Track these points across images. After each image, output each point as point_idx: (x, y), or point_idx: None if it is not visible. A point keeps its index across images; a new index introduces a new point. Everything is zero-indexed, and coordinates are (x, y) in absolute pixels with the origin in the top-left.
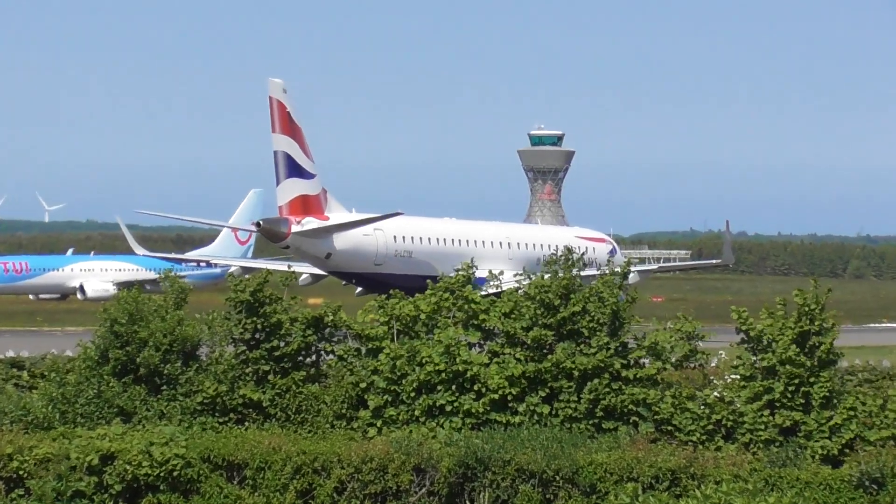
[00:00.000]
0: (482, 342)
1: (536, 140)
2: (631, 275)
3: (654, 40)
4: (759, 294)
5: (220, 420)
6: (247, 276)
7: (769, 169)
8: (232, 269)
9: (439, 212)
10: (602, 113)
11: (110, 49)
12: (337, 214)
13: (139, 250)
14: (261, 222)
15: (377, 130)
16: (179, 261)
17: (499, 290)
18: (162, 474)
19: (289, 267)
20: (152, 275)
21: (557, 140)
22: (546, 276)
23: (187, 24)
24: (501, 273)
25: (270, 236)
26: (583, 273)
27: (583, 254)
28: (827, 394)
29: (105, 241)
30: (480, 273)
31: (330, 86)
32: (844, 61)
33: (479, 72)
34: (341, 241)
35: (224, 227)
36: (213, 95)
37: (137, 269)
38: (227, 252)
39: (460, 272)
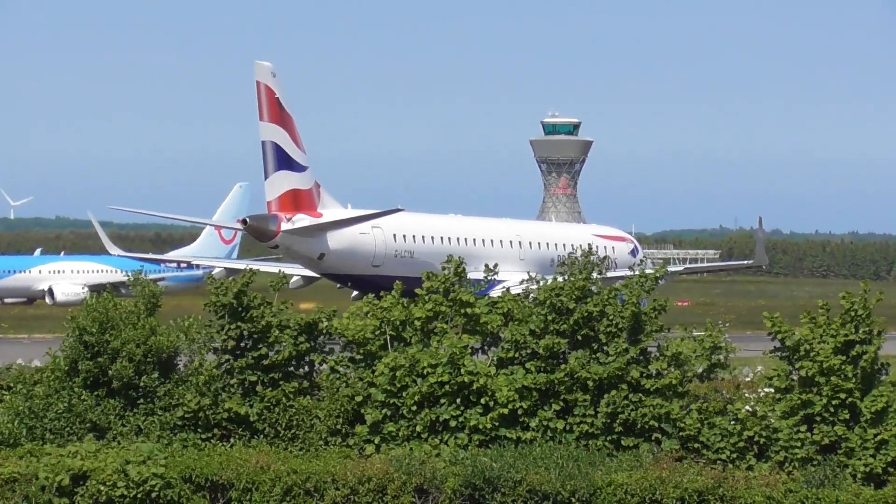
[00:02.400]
0: (484, 347)
1: (550, 129)
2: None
3: (679, 20)
4: (795, 298)
5: (203, 436)
6: (231, 279)
7: (806, 161)
8: (215, 270)
9: (443, 207)
10: (622, 99)
11: (76, 32)
12: (331, 211)
13: (114, 250)
14: (247, 219)
15: (373, 118)
16: (158, 261)
17: (504, 290)
18: (139, 496)
19: (280, 272)
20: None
21: (573, 129)
22: (559, 279)
23: (163, 4)
24: (496, 266)
25: (258, 235)
26: (608, 275)
27: (605, 258)
28: (880, 408)
29: (76, 241)
30: (475, 274)
31: (322, 69)
32: (884, 47)
33: (486, 54)
34: (336, 240)
35: (207, 224)
36: (195, 81)
37: (112, 271)
38: (209, 252)
39: (447, 270)
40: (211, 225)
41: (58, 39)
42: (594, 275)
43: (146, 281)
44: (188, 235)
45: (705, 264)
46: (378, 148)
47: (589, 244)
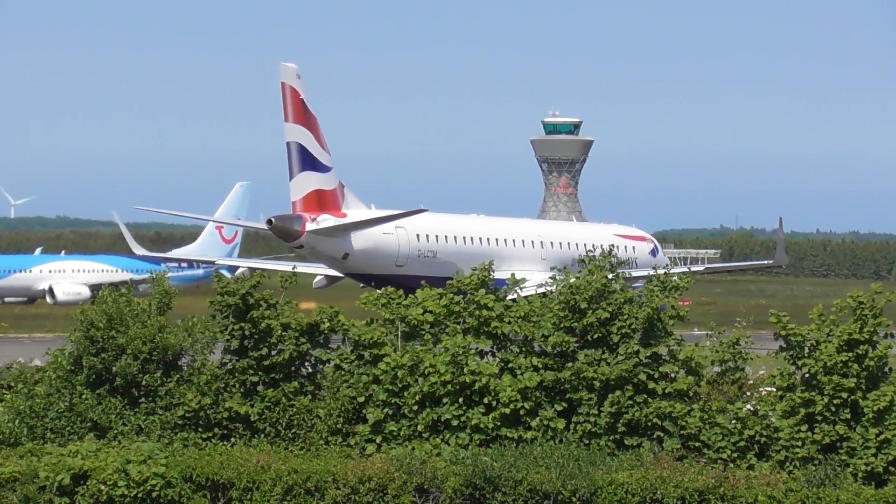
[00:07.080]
0: (494, 350)
1: (551, 128)
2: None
3: (679, 19)
4: (796, 298)
5: (204, 436)
6: (237, 277)
7: (806, 160)
8: (238, 270)
9: (443, 206)
10: (623, 98)
11: (75, 31)
12: (355, 211)
13: (138, 250)
14: (272, 219)
15: (371, 118)
16: (170, 260)
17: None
18: (140, 495)
19: (293, 268)
20: (129, 276)
21: (574, 128)
22: (578, 278)
23: (165, 3)
24: (523, 280)
25: (282, 235)
26: (632, 274)
27: (627, 260)
28: (882, 408)
29: (77, 240)
30: (501, 275)
31: (319, 69)
32: (885, 46)
33: (486, 53)
34: (360, 240)
35: (231, 224)
36: (196, 81)
37: (112, 270)
38: (210, 251)
39: (475, 273)
40: (238, 225)
41: (56, 38)
42: (610, 276)
43: (162, 278)
44: (188, 235)
45: (726, 264)
46: (377, 147)
47: (610, 244)
